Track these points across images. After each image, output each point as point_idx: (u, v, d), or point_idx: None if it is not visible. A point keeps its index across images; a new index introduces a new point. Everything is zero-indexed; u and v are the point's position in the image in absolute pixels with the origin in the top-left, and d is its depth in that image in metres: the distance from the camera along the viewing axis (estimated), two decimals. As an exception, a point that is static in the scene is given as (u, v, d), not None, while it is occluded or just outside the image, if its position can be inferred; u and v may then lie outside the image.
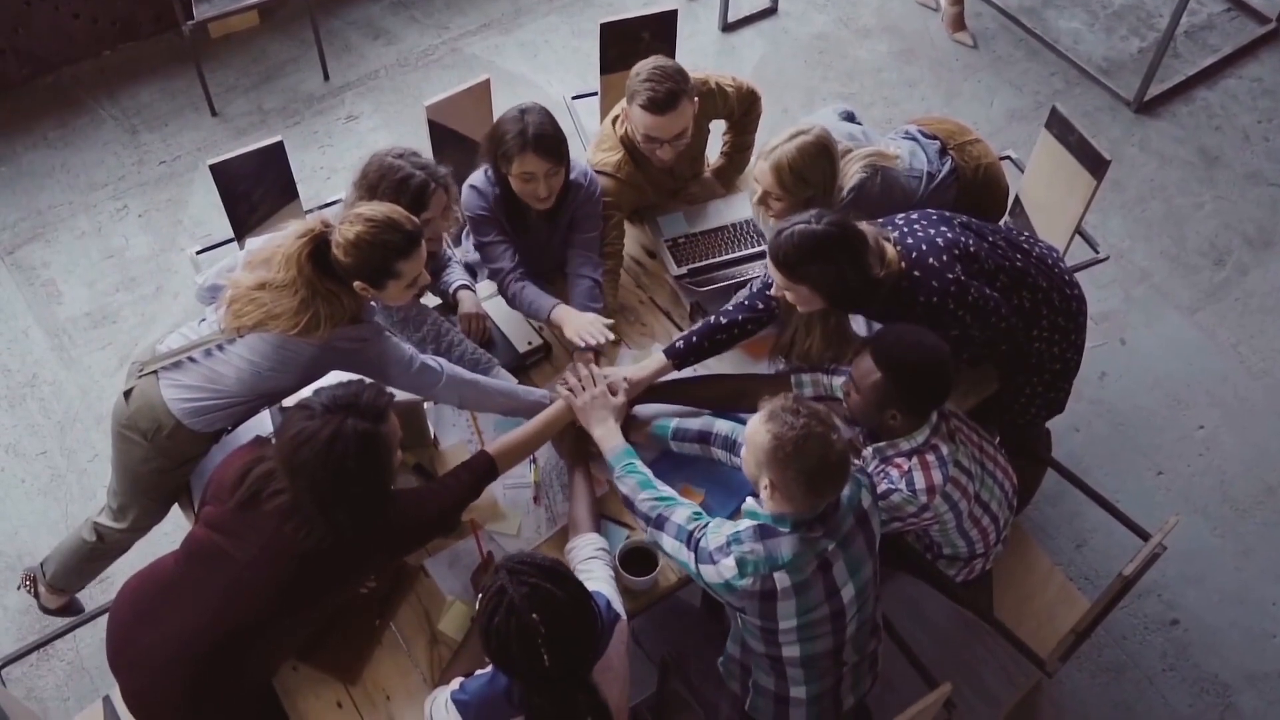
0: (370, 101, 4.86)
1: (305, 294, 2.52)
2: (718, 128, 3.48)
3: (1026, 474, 3.24)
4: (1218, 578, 3.62)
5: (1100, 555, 3.63)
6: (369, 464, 2.28)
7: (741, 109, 3.38)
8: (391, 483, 2.40)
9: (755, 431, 2.31)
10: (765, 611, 2.33)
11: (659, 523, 2.46)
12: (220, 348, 2.63)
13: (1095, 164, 3.27)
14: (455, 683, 2.24)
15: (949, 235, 2.75)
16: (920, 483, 2.58)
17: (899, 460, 2.62)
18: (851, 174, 2.99)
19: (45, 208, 4.48)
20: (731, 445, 2.68)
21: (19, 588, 3.34)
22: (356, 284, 2.54)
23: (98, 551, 3.07)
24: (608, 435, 2.71)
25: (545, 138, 2.88)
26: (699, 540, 2.38)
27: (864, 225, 2.69)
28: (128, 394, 2.71)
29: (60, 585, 3.22)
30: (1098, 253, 3.59)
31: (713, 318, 2.92)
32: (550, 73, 5.00)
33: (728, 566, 2.31)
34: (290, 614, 2.39)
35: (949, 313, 2.70)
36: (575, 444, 2.81)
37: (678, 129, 3.07)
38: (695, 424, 2.78)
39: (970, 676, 3.32)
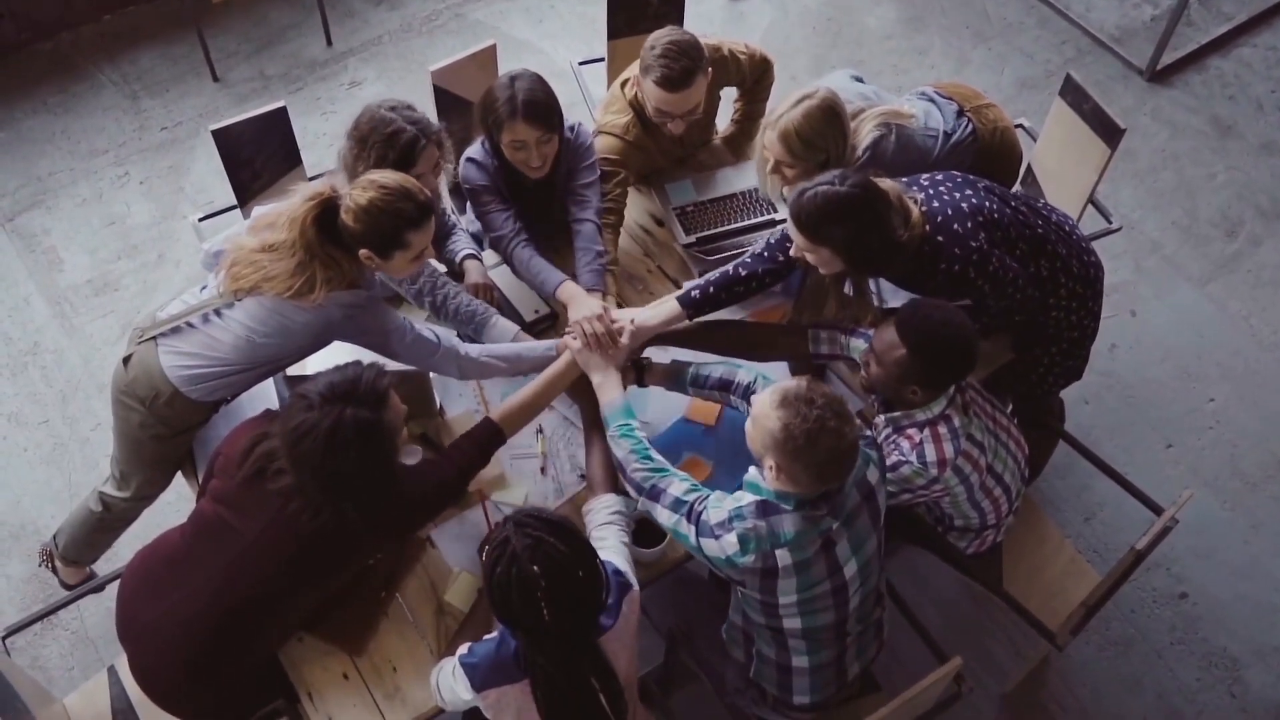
0: (374, 67, 4.80)
1: (303, 256, 2.49)
2: (728, 95, 3.43)
3: (1039, 445, 3.22)
4: (1227, 551, 3.60)
5: (1109, 528, 3.61)
6: (371, 453, 2.26)
7: (754, 77, 3.34)
8: (396, 464, 2.37)
9: (765, 415, 2.25)
10: (766, 587, 2.31)
11: (653, 494, 2.42)
12: (218, 313, 2.60)
13: (1109, 133, 3.23)
14: (463, 647, 2.23)
15: (974, 200, 2.70)
16: (931, 455, 2.56)
17: (911, 431, 2.59)
18: (865, 133, 2.94)
19: (45, 174, 4.44)
20: (752, 396, 2.60)
21: (40, 564, 3.34)
22: (362, 252, 2.51)
23: (105, 522, 3.06)
24: (607, 385, 2.64)
25: (535, 104, 2.84)
26: (700, 514, 2.34)
27: (888, 183, 2.64)
28: (127, 360, 2.69)
29: (73, 558, 3.21)
30: (1110, 223, 3.55)
31: (730, 268, 2.86)
32: (556, 38, 4.93)
33: (729, 543, 2.28)
34: (296, 590, 2.38)
35: (969, 281, 2.66)
36: (591, 394, 2.72)
37: (690, 105, 3.03)
38: (717, 370, 2.70)
39: (978, 649, 3.32)
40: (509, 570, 2.04)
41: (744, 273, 2.84)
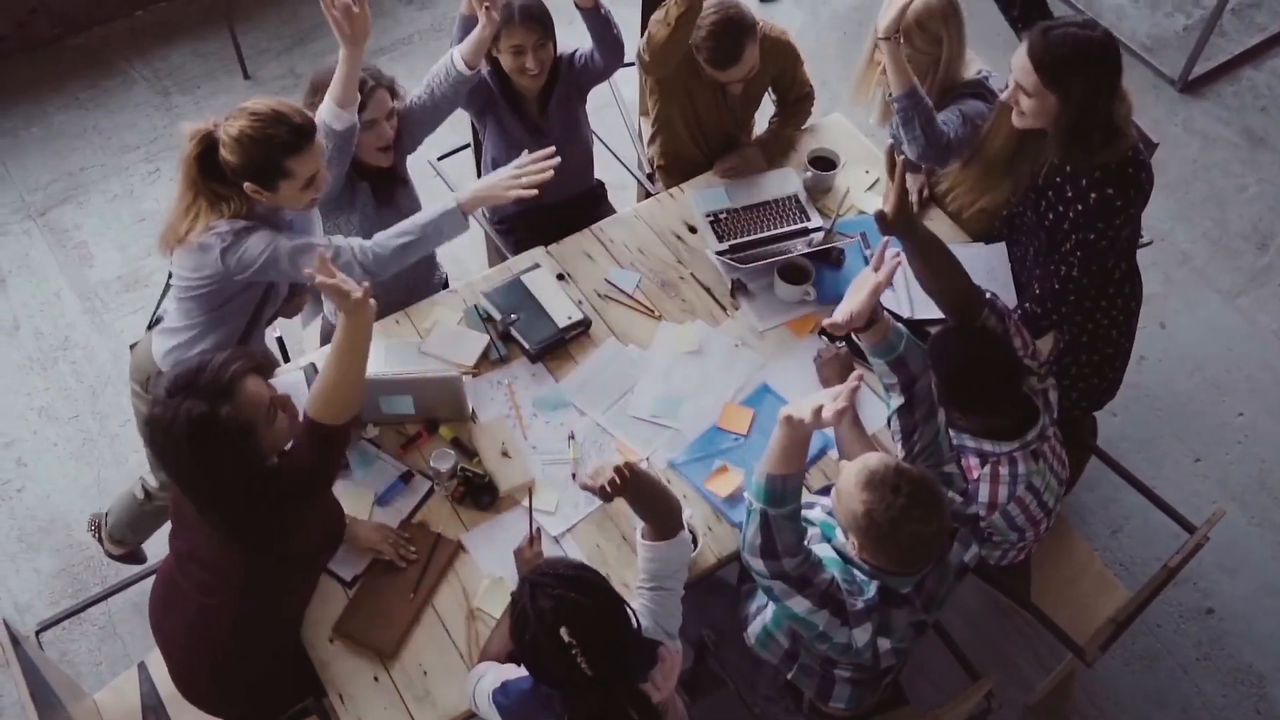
0: (404, 66, 4.80)
1: (189, 197, 2.43)
2: (765, 102, 3.45)
3: (1069, 460, 3.20)
4: (1254, 567, 3.58)
5: (1136, 542, 3.59)
6: (207, 451, 2.04)
7: (797, 93, 3.42)
8: (244, 465, 2.09)
9: (849, 493, 2.13)
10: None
11: (800, 584, 2.23)
12: (170, 282, 2.64)
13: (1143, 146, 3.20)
14: (498, 679, 2.21)
15: None
16: (984, 496, 2.55)
17: (973, 462, 2.57)
18: (973, 69, 3.01)
19: (77, 169, 4.46)
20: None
21: (87, 530, 3.38)
22: (247, 185, 2.41)
23: (147, 509, 3.12)
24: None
25: (531, 8, 3.07)
26: (842, 603, 2.22)
27: None
28: (134, 348, 2.75)
29: (117, 537, 3.27)
30: (1142, 235, 3.52)
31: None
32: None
33: (860, 634, 2.24)
34: (264, 586, 2.30)
35: (1128, 217, 2.60)
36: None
37: (744, 74, 3.17)
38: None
39: (1002, 660, 3.31)
40: (538, 636, 1.98)
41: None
